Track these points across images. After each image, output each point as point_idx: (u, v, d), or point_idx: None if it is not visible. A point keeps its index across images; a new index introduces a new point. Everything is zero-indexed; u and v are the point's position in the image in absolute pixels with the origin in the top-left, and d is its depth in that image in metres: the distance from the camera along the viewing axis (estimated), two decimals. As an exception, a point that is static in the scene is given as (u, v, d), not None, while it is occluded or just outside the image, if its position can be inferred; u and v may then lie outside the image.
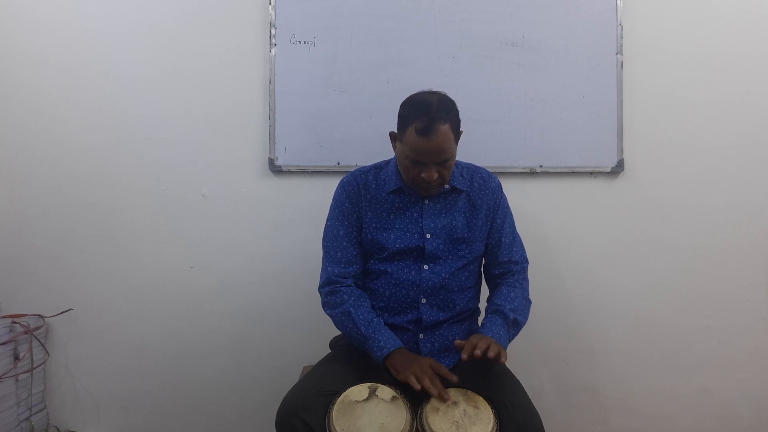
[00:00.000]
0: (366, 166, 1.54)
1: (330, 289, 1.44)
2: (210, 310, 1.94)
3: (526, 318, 1.44)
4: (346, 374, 1.34)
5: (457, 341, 1.29)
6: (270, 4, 1.87)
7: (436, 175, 1.35)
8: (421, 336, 1.44)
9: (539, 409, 1.27)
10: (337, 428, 1.17)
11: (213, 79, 1.91)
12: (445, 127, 1.31)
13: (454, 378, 1.26)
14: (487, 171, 1.55)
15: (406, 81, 1.83)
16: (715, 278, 1.95)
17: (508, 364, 1.38)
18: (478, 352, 1.21)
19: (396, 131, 1.41)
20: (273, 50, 1.88)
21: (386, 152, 1.56)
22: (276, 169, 1.89)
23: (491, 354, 1.22)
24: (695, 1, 1.93)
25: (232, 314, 1.94)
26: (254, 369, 1.94)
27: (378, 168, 1.52)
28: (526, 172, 1.91)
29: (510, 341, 1.38)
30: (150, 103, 1.91)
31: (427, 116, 1.30)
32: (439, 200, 1.47)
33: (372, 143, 1.86)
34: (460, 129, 1.39)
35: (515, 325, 1.40)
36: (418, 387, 1.22)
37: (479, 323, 1.54)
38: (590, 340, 1.96)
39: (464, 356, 1.22)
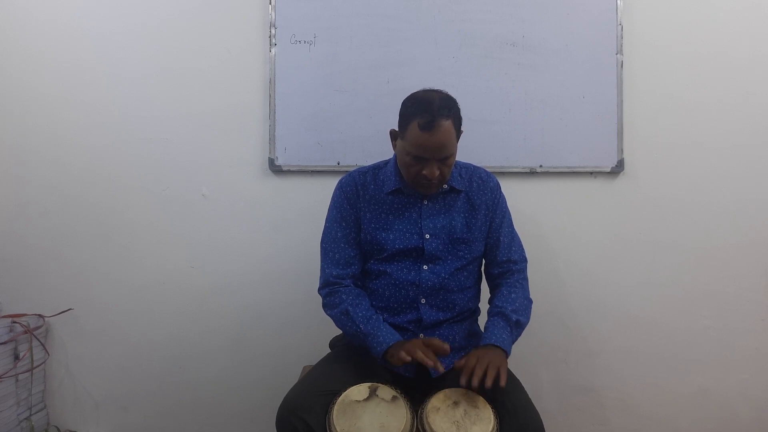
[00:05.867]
0: (364, 167, 1.54)
1: (329, 290, 1.45)
2: (210, 310, 1.94)
3: (528, 318, 1.44)
4: (346, 374, 1.34)
5: (456, 363, 1.28)
6: (270, 4, 1.87)
7: (437, 173, 1.35)
8: (421, 335, 1.43)
9: (539, 409, 1.27)
10: (337, 428, 1.17)
11: (213, 79, 1.91)
12: (447, 123, 1.31)
13: (446, 346, 1.28)
14: (485, 171, 1.55)
15: (406, 81, 1.83)
16: (714, 278, 1.95)
17: (508, 365, 1.39)
18: (476, 381, 1.21)
19: (397, 129, 1.41)
20: (273, 50, 1.88)
21: (386, 152, 1.56)
22: (276, 169, 1.90)
23: (488, 383, 1.21)
24: (695, 1, 1.94)
25: (232, 314, 1.94)
26: (254, 369, 1.94)
27: (377, 168, 1.52)
28: (526, 172, 1.91)
29: (513, 343, 1.38)
30: (150, 103, 1.91)
31: (430, 112, 1.30)
32: (438, 200, 1.47)
33: (372, 143, 1.86)
34: (461, 129, 1.39)
35: (518, 326, 1.40)
36: (408, 359, 1.23)
37: (479, 323, 1.55)
38: (590, 341, 1.97)
39: (463, 381, 1.23)
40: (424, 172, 1.34)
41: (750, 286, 1.96)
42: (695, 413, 1.96)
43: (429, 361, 1.24)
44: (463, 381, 1.22)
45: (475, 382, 1.21)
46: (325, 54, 1.88)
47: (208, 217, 1.92)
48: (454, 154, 1.38)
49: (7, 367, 1.77)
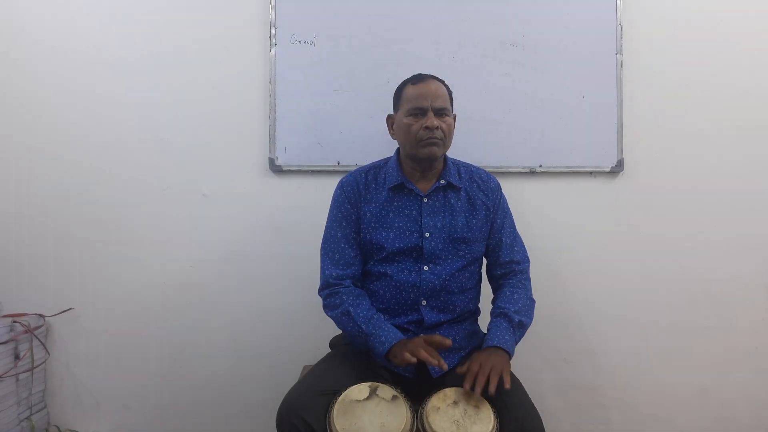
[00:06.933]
0: (365, 166, 1.55)
1: (329, 291, 1.45)
2: (210, 310, 1.94)
3: (531, 318, 1.45)
4: (346, 373, 1.35)
5: (458, 369, 1.29)
6: (270, 3, 1.87)
7: (437, 123, 1.39)
8: (421, 335, 1.43)
9: (539, 408, 1.28)
10: (337, 427, 1.17)
11: (213, 79, 1.91)
12: (437, 82, 1.44)
13: (448, 341, 1.30)
14: (485, 172, 1.56)
15: (406, 81, 1.84)
16: (714, 278, 1.95)
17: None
18: (478, 389, 1.22)
19: (392, 113, 1.50)
20: (273, 50, 1.88)
21: (386, 152, 1.56)
22: (276, 169, 1.90)
23: (491, 390, 1.21)
24: (695, 1, 1.94)
25: (232, 314, 1.94)
26: (254, 369, 1.94)
27: (377, 167, 1.53)
28: (525, 172, 1.92)
29: (516, 343, 1.38)
30: (150, 102, 1.91)
31: (419, 74, 1.46)
32: (438, 198, 1.47)
33: (372, 143, 1.86)
34: (453, 112, 1.47)
35: (521, 327, 1.40)
36: (413, 360, 1.24)
37: (479, 323, 1.55)
38: (590, 340, 1.97)
39: (466, 387, 1.23)
40: (426, 124, 1.38)
41: (750, 285, 1.96)
42: (695, 413, 1.97)
43: (433, 360, 1.25)
44: (466, 387, 1.23)
45: (478, 391, 1.21)
46: (326, 54, 1.88)
47: (208, 217, 1.92)
48: (450, 113, 1.44)
49: (7, 367, 1.77)
